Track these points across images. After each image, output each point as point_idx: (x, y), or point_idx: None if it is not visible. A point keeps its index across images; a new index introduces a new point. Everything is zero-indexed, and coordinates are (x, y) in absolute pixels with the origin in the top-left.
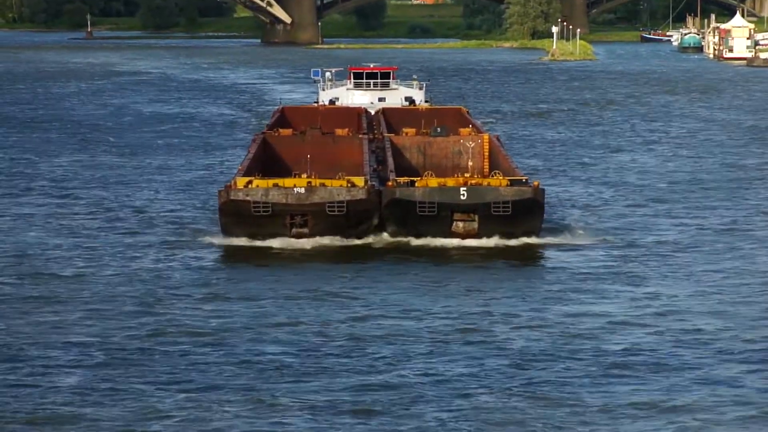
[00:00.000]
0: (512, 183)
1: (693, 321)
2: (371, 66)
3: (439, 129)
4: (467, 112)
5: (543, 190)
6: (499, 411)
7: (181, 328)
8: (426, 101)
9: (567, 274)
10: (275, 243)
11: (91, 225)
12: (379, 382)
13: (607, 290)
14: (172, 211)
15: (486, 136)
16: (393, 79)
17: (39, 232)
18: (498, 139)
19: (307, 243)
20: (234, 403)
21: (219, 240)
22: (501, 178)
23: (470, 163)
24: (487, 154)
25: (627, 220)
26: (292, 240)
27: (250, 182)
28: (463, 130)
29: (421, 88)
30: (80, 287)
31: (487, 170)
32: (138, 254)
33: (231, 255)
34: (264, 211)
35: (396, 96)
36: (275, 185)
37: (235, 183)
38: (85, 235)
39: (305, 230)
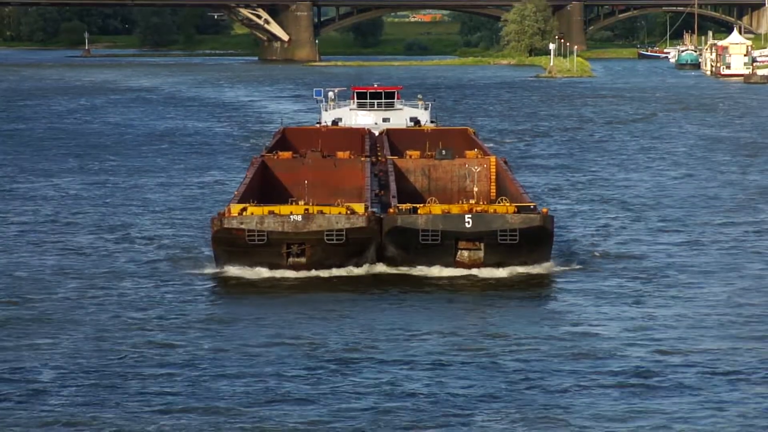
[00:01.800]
0: (520, 210)
1: (698, 342)
2: (375, 85)
3: (444, 151)
4: (474, 133)
5: (552, 217)
6: None
7: (172, 352)
8: (432, 121)
9: (571, 296)
10: (270, 273)
11: (84, 247)
12: (378, 404)
13: (611, 312)
14: (167, 236)
15: (493, 159)
16: (398, 98)
17: (31, 253)
18: (505, 162)
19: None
20: (229, 426)
21: (212, 270)
22: (508, 204)
23: (476, 189)
24: (493, 177)
25: (632, 241)
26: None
27: (244, 209)
28: (469, 153)
29: (426, 108)
30: (71, 310)
31: (494, 195)
32: (131, 279)
33: (224, 283)
34: (259, 240)
35: (401, 116)
36: (271, 212)
37: (229, 210)
38: (78, 258)
39: (302, 260)
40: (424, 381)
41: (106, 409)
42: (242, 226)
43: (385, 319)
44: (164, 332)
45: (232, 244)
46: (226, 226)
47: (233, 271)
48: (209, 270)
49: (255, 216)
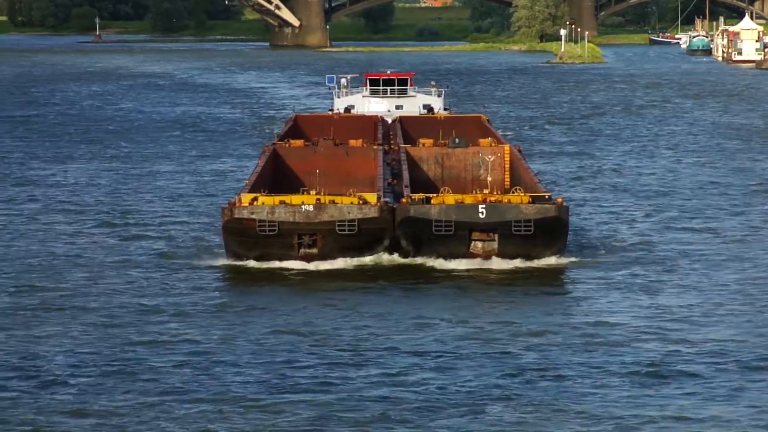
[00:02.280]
0: (534, 200)
1: (711, 332)
2: (388, 72)
3: (457, 140)
4: (487, 120)
5: (567, 207)
6: (512, 424)
7: (183, 341)
8: (445, 108)
9: (583, 286)
10: (282, 264)
11: (94, 235)
12: (389, 394)
13: (624, 302)
14: (178, 224)
15: (507, 148)
16: (411, 85)
17: (42, 240)
18: (519, 151)
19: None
20: (240, 416)
21: (222, 261)
22: (522, 194)
23: (489, 178)
24: (507, 166)
25: (645, 230)
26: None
27: (255, 199)
28: (483, 141)
29: (439, 95)
30: (82, 298)
31: (508, 184)
32: (141, 267)
33: (234, 272)
34: (270, 231)
35: (414, 103)
36: (282, 202)
37: (240, 200)
38: (89, 246)
39: (314, 251)
40: (435, 371)
41: (117, 397)
42: (253, 216)
43: (397, 309)
44: (175, 321)
45: (242, 235)
46: (236, 216)
47: (243, 261)
48: (220, 260)
49: (266, 206)
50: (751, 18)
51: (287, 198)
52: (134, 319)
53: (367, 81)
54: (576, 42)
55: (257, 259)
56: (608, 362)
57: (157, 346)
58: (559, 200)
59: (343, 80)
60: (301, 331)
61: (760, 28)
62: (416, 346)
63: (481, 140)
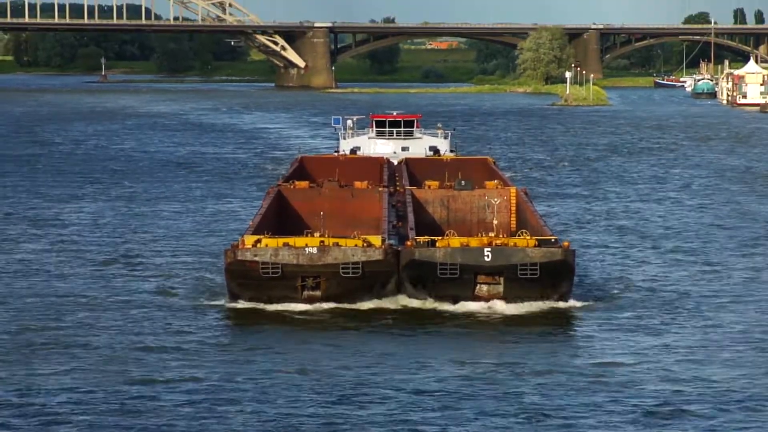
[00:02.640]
0: (540, 243)
1: (715, 374)
2: (394, 114)
3: (463, 182)
4: (494, 162)
5: (573, 251)
6: None
7: (185, 381)
8: (451, 150)
9: (588, 327)
10: (285, 306)
11: (97, 275)
12: None
13: (629, 344)
14: (182, 265)
15: (513, 190)
16: (417, 127)
17: (45, 279)
18: (526, 193)
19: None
20: None
21: (225, 301)
22: (528, 237)
23: (495, 221)
24: (514, 209)
25: (650, 272)
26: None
27: (258, 241)
28: (489, 183)
29: (446, 137)
30: (83, 338)
31: (514, 227)
32: (143, 308)
33: (237, 314)
34: (273, 273)
35: (420, 145)
36: (285, 244)
37: (243, 242)
38: (91, 285)
39: (317, 293)
40: (438, 411)
41: None
42: (256, 259)
43: (400, 351)
44: (177, 361)
45: (245, 277)
46: (239, 258)
47: (245, 304)
48: (223, 301)
49: (269, 248)
50: (756, 62)
51: (291, 240)
52: (136, 358)
53: (373, 122)
54: (581, 84)
55: (259, 301)
56: (612, 403)
57: (159, 385)
58: (566, 243)
59: (348, 122)
60: (303, 371)
61: (765, 72)
62: (419, 386)
63: (487, 182)
